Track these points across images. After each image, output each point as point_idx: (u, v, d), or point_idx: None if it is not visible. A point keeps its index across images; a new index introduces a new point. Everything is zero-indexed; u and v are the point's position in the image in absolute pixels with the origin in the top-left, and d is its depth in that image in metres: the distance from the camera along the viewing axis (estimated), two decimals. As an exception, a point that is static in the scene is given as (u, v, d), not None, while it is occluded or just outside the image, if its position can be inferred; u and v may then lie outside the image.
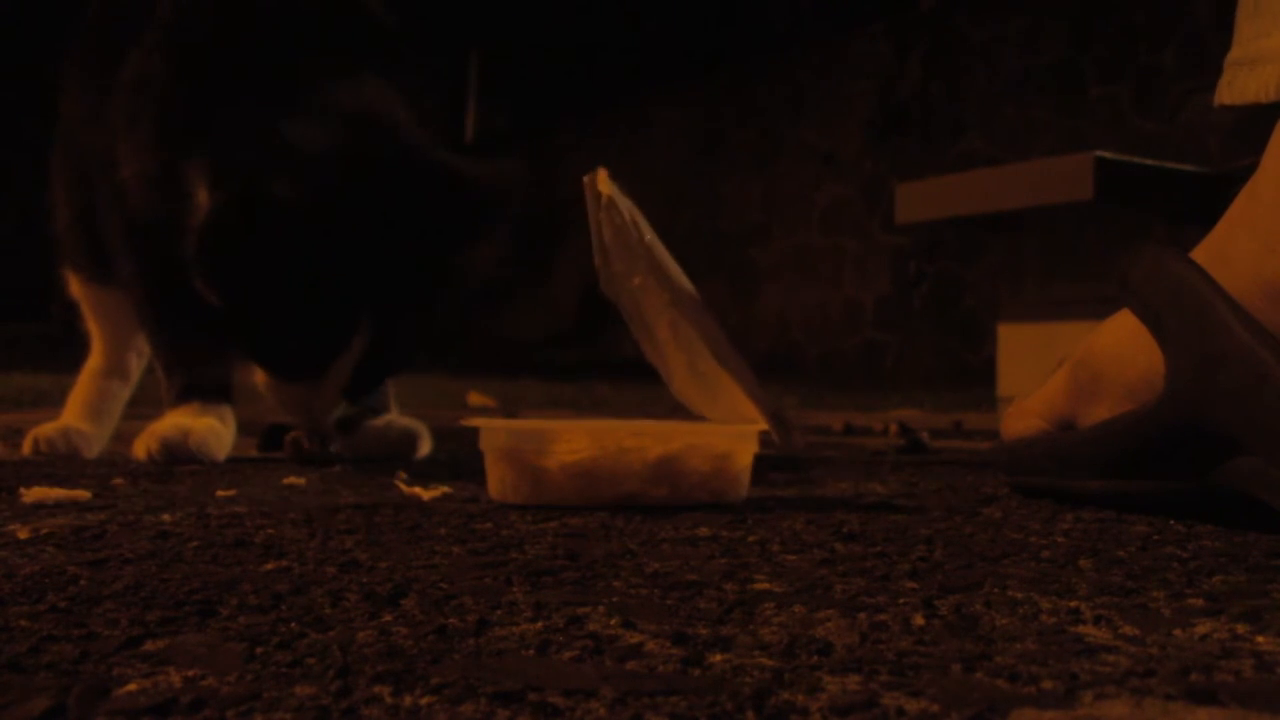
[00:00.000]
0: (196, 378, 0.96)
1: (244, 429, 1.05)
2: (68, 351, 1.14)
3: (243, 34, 0.91)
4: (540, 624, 0.36)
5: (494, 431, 0.67)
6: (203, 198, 0.86)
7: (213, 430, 0.92)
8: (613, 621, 0.37)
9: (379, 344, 0.88)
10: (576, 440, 0.65)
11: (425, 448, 1.02)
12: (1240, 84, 0.62)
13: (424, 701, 0.28)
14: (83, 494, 0.68)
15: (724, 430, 0.69)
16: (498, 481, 0.67)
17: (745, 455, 0.68)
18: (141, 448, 0.92)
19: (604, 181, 0.70)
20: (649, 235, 0.71)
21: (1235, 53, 0.63)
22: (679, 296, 0.70)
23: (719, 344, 0.70)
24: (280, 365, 0.89)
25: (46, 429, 1.03)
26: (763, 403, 0.69)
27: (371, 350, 0.88)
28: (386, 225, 0.85)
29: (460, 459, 0.87)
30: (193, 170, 0.87)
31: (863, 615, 0.38)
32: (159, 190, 0.90)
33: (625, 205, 0.70)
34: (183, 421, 0.92)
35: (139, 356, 1.10)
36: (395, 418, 1.04)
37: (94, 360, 1.10)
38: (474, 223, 0.89)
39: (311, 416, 0.91)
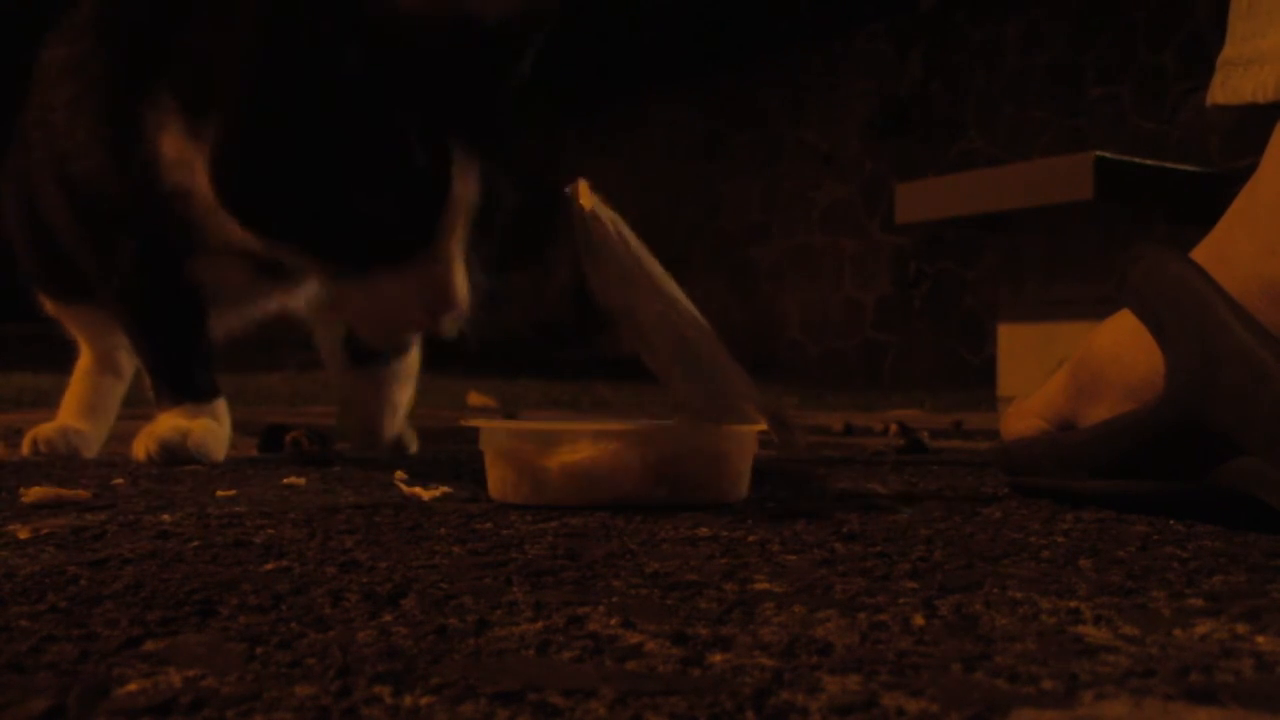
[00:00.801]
0: (187, 378, 0.95)
1: (244, 429, 1.05)
2: (67, 351, 1.14)
3: None
4: (540, 624, 0.36)
5: (494, 432, 0.67)
6: (169, 144, 0.80)
7: (210, 431, 0.92)
8: (613, 621, 0.37)
9: (480, 178, 0.74)
10: (576, 441, 0.65)
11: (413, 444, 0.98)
12: (1235, 83, 0.62)
13: (424, 701, 0.28)
14: (83, 494, 0.68)
15: (724, 430, 0.69)
16: (498, 481, 0.67)
17: (745, 455, 0.68)
18: (140, 449, 0.91)
19: (585, 194, 0.70)
20: (634, 243, 0.70)
21: (1228, 52, 0.63)
22: (669, 303, 0.70)
23: (714, 350, 0.70)
24: (379, 251, 0.73)
25: (46, 430, 1.03)
26: (761, 404, 0.69)
27: (480, 189, 0.74)
28: (413, 61, 0.72)
29: (460, 459, 0.87)
30: (151, 112, 0.80)
31: (863, 615, 0.38)
32: (115, 163, 0.85)
33: (608, 216, 0.70)
34: (180, 422, 0.91)
35: (129, 353, 1.09)
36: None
37: (84, 360, 1.10)
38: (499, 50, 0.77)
39: (443, 300, 0.73)
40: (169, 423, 0.92)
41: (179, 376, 0.94)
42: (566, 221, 0.67)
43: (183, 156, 0.80)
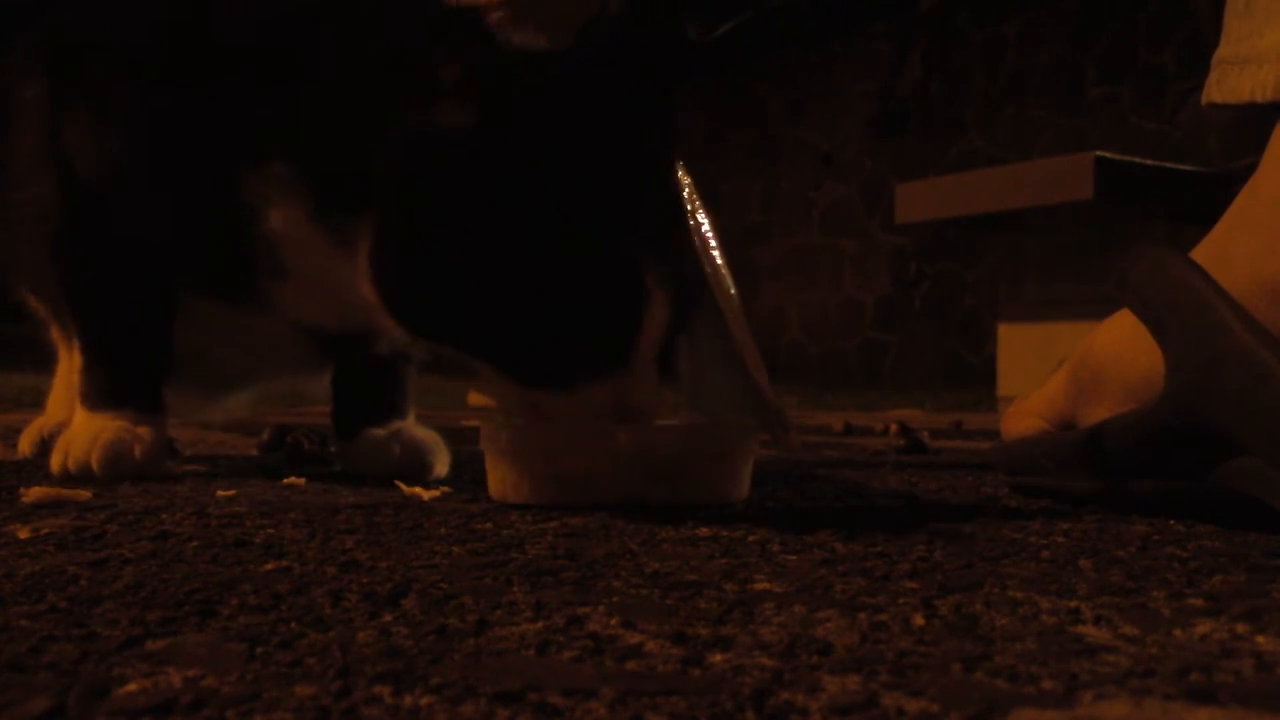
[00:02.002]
0: (141, 381, 0.83)
1: (244, 429, 1.05)
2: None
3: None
4: (540, 624, 0.36)
5: (494, 431, 0.67)
6: (279, 219, 0.72)
7: (159, 444, 0.82)
8: (613, 621, 0.37)
9: (679, 291, 0.68)
10: (577, 440, 0.65)
11: (442, 466, 0.84)
12: (1232, 82, 0.62)
13: (424, 701, 0.28)
14: (83, 494, 0.68)
15: (724, 430, 0.69)
16: (498, 481, 0.67)
17: (745, 455, 0.68)
18: (70, 457, 0.78)
19: None
20: (700, 214, 0.71)
21: (1224, 51, 0.63)
22: (715, 271, 0.71)
23: (745, 336, 0.70)
24: (573, 370, 0.67)
25: (52, 423, 1.00)
26: (767, 402, 0.70)
27: (676, 304, 0.67)
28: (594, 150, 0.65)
29: (460, 459, 0.87)
30: (259, 183, 0.72)
31: (863, 615, 0.38)
32: (177, 209, 0.77)
33: (684, 181, 0.71)
34: (129, 428, 0.80)
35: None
36: (407, 426, 0.87)
37: (68, 364, 1.04)
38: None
39: (633, 414, 0.68)
40: (114, 425, 0.79)
41: (133, 376, 0.83)
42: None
43: (299, 236, 0.73)
